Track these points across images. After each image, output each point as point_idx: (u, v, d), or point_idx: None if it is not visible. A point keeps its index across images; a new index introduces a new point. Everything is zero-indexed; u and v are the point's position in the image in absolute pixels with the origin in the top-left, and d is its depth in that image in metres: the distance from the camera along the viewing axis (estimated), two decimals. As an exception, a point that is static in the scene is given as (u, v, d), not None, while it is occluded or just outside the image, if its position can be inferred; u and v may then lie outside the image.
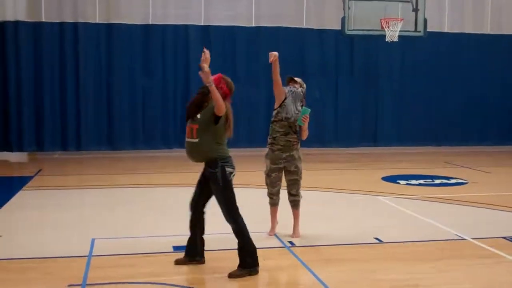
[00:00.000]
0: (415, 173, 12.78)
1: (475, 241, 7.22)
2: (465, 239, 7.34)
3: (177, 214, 8.56)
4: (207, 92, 5.89)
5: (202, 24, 15.26)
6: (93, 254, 6.52)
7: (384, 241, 7.20)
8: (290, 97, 7.14)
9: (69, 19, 14.54)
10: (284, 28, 15.57)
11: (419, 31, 13.82)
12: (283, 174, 7.29)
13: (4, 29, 14.09)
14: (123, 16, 14.83)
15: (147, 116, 15.06)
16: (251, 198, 10.01)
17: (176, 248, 6.64)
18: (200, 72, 5.78)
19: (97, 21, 14.69)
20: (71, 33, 14.55)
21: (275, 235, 7.37)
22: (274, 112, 7.23)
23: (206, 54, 5.96)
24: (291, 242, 7.09)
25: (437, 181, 11.77)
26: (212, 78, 5.93)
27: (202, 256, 6.19)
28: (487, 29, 16.84)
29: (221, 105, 5.75)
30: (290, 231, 7.37)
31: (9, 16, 14.06)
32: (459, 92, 16.64)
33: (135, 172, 12.74)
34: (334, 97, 15.95)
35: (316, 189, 10.37)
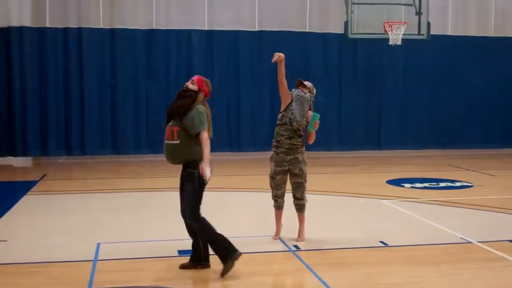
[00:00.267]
0: (420, 176, 12.76)
1: (481, 245, 7.19)
2: (471, 242, 7.31)
3: (180, 218, 8.58)
4: (194, 96, 5.95)
5: (205, 29, 15.29)
6: (98, 258, 6.52)
7: (389, 245, 7.19)
8: (298, 101, 7.09)
9: (73, 24, 14.59)
10: (287, 32, 15.59)
11: (423, 34, 13.84)
12: (288, 177, 7.27)
13: (9, 34, 14.15)
14: (127, 22, 14.89)
15: (151, 121, 15.08)
16: (255, 202, 10.04)
17: (181, 252, 6.64)
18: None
19: (101, 26, 14.74)
20: (75, 39, 14.61)
21: (280, 239, 7.35)
22: (279, 116, 7.22)
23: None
24: (296, 246, 7.07)
25: (442, 184, 11.74)
26: (196, 78, 6.13)
27: (207, 260, 6.18)
28: (491, 32, 16.83)
29: (205, 143, 5.92)
30: (295, 235, 7.35)
31: (14, 22, 14.12)
32: (463, 94, 16.63)
33: (139, 176, 12.76)
34: (337, 100, 15.95)
35: (320, 193, 10.35)
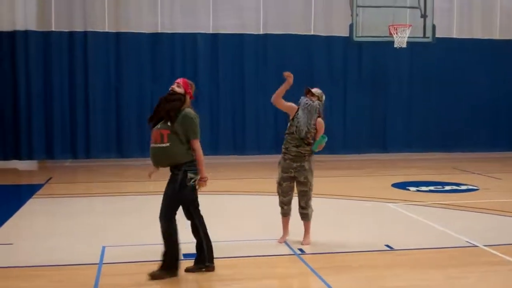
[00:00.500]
0: (425, 179, 12.72)
1: (487, 248, 7.16)
2: (476, 246, 7.28)
3: (185, 221, 8.57)
4: (183, 99, 5.94)
5: (210, 32, 15.30)
6: (103, 261, 6.52)
7: (395, 248, 7.16)
8: (305, 109, 7.08)
9: (78, 28, 14.62)
10: (292, 35, 15.59)
11: (428, 37, 13.80)
12: (295, 185, 7.27)
13: (14, 38, 14.18)
14: (132, 25, 14.91)
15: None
16: (259, 205, 10.03)
17: (186, 256, 6.62)
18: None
19: (106, 30, 14.77)
20: (81, 42, 14.64)
21: (285, 242, 7.34)
22: (288, 124, 7.24)
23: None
24: (301, 250, 7.06)
25: (448, 188, 11.71)
26: (181, 81, 6.07)
27: (211, 261, 6.14)
28: (496, 34, 16.78)
29: (198, 153, 5.94)
30: (300, 238, 7.34)
31: (19, 26, 14.15)
32: (469, 97, 16.59)
33: (143, 180, 12.70)
34: (342, 103, 15.92)
35: (325, 196, 10.33)
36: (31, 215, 9.17)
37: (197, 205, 6.09)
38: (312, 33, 15.79)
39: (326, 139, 7.01)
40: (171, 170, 5.97)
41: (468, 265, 6.53)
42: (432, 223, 8.51)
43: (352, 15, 13.53)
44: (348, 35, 14.01)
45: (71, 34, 14.62)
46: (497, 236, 7.80)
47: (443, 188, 11.67)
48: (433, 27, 13.82)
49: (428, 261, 6.67)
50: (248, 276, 6.10)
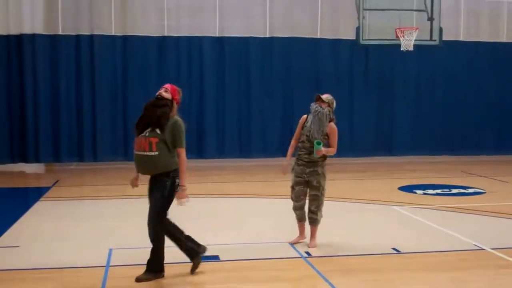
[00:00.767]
0: (432, 182, 12.70)
1: (494, 252, 7.14)
2: (484, 249, 7.26)
3: (192, 224, 8.58)
4: (170, 104, 5.92)
5: (216, 35, 15.32)
6: (110, 264, 6.53)
7: (402, 252, 7.15)
8: (316, 117, 7.13)
9: (85, 31, 14.67)
10: (298, 38, 15.58)
11: (435, 40, 13.79)
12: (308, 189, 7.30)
13: (21, 42, 14.23)
14: (139, 28, 14.94)
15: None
16: (266, 208, 10.03)
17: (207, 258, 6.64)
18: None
19: (113, 34, 14.81)
20: (87, 46, 14.67)
21: (292, 245, 7.33)
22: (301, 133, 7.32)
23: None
24: (307, 252, 7.06)
25: (455, 191, 11.68)
26: (169, 87, 6.08)
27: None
28: (503, 37, 16.75)
29: (182, 162, 5.89)
30: (307, 241, 7.35)
31: (27, 29, 14.21)
32: (475, 100, 16.55)
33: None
34: (349, 106, 15.89)
35: (332, 199, 10.29)
36: (39, 217, 9.20)
37: None
38: (318, 36, 15.78)
39: (321, 144, 7.03)
40: (155, 177, 5.92)
41: (475, 269, 6.51)
42: (439, 226, 8.49)
43: (358, 18, 13.54)
44: (354, 38, 14.02)
45: (78, 37, 14.67)
46: (504, 239, 7.78)
47: (450, 191, 11.65)
48: (440, 30, 13.81)
49: (435, 264, 6.66)
50: (254, 279, 6.10)
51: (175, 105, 6.00)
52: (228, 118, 15.50)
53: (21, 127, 14.45)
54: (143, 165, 5.90)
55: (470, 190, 11.75)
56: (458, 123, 16.55)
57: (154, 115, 5.85)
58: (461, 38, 16.48)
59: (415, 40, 13.32)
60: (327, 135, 7.17)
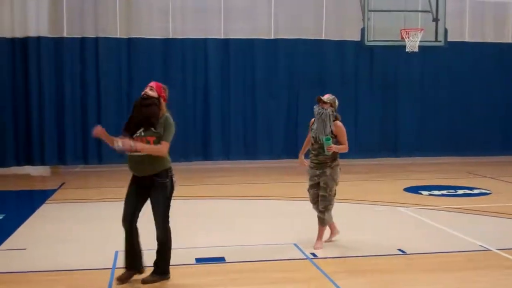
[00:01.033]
0: (438, 183, 12.68)
1: (500, 252, 7.13)
2: (489, 250, 7.25)
3: (198, 226, 8.60)
4: (158, 103, 5.88)
5: (221, 37, 15.33)
6: (116, 266, 6.53)
7: (408, 253, 7.15)
8: (319, 119, 7.22)
9: (90, 34, 14.69)
10: (303, 40, 15.58)
11: (440, 41, 13.77)
12: None
13: (26, 44, 14.27)
14: (144, 31, 14.96)
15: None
16: (272, 209, 10.03)
17: (199, 260, 6.65)
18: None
19: (118, 36, 14.83)
20: (92, 48, 14.70)
21: (296, 245, 7.34)
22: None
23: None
24: (313, 254, 7.06)
25: (460, 192, 11.66)
26: (154, 85, 5.99)
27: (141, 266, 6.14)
28: (508, 38, 16.71)
29: (161, 151, 5.76)
30: (313, 242, 7.36)
31: (32, 32, 14.24)
32: (481, 101, 16.51)
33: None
34: (354, 107, 15.88)
35: (337, 200, 10.25)
36: (44, 220, 9.22)
37: None
38: (323, 37, 15.78)
39: (330, 139, 7.08)
40: (151, 179, 5.89)
41: (481, 269, 6.51)
42: (444, 227, 8.48)
43: (363, 19, 13.54)
44: (359, 39, 14.00)
45: (83, 40, 14.70)
46: (510, 240, 7.77)
47: (456, 192, 11.63)
48: (445, 31, 13.78)
49: (441, 265, 6.65)
50: (260, 280, 6.10)
51: (162, 103, 5.95)
52: (233, 119, 15.50)
53: (26, 129, 14.47)
54: (141, 165, 5.87)
55: (476, 191, 11.73)
56: (464, 124, 16.52)
57: (144, 115, 5.83)
58: (466, 39, 16.45)
59: (420, 41, 13.30)
60: (334, 134, 7.19)
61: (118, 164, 15.02)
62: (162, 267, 6.02)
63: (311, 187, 7.41)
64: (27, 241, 7.82)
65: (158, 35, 15.06)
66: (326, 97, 7.34)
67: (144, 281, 5.92)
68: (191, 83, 15.19)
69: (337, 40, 15.79)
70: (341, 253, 7.16)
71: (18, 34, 14.29)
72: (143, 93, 5.94)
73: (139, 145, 5.73)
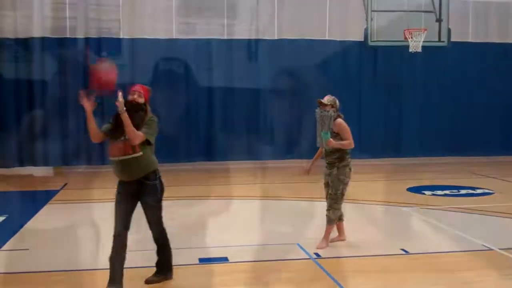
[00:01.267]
0: (440, 183, 12.66)
1: (503, 252, 7.12)
2: (492, 249, 7.24)
3: (201, 226, 8.59)
4: (145, 108, 6.01)
5: (225, 37, 15.34)
6: (119, 266, 6.53)
7: (411, 252, 7.14)
8: (321, 121, 7.32)
9: (93, 34, 14.71)
10: (306, 40, 15.58)
11: (443, 41, 13.75)
12: None
13: (30, 45, 14.29)
14: (147, 31, 14.97)
15: (170, 130, 15.10)
16: (276, 210, 10.02)
17: (202, 260, 6.65)
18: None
19: (121, 36, 14.84)
20: (96, 49, 14.70)
21: (300, 246, 7.34)
22: None
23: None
24: (317, 254, 7.05)
25: (463, 192, 11.64)
26: (141, 89, 6.12)
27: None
28: (512, 38, 16.72)
29: (137, 136, 5.79)
30: (315, 243, 7.35)
31: (35, 33, 14.26)
32: (484, 102, 16.48)
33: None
34: (357, 108, 15.87)
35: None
36: (47, 220, 9.23)
37: None
38: (326, 38, 15.78)
39: (328, 133, 7.13)
40: (141, 181, 5.90)
41: (484, 269, 6.50)
42: (447, 227, 8.47)
43: (367, 20, 13.53)
44: (363, 39, 14.01)
45: (87, 40, 14.71)
46: (513, 240, 7.76)
47: (459, 192, 11.61)
48: (449, 31, 13.76)
49: (444, 265, 6.64)
50: (264, 280, 6.10)
51: (148, 107, 6.03)
52: (237, 120, 15.51)
53: (29, 130, 14.48)
54: (128, 168, 5.85)
55: (479, 191, 11.71)
56: (467, 124, 16.49)
57: (133, 121, 5.88)
58: (470, 39, 16.43)
59: (424, 41, 13.28)
60: (336, 133, 7.20)
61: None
62: (164, 267, 6.03)
63: (324, 186, 7.54)
64: (30, 242, 7.83)
65: (161, 35, 15.07)
66: (326, 99, 7.37)
67: (147, 281, 5.93)
68: (194, 84, 15.18)
69: (341, 40, 15.80)
70: (344, 253, 7.15)
71: (22, 34, 14.32)
72: (131, 99, 6.01)
73: (126, 116, 5.85)
